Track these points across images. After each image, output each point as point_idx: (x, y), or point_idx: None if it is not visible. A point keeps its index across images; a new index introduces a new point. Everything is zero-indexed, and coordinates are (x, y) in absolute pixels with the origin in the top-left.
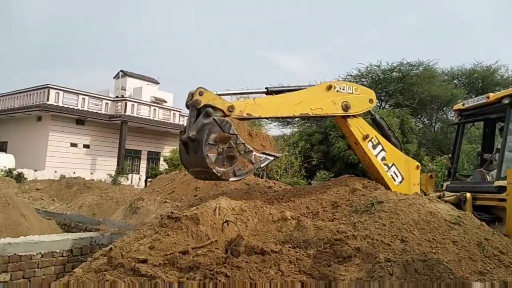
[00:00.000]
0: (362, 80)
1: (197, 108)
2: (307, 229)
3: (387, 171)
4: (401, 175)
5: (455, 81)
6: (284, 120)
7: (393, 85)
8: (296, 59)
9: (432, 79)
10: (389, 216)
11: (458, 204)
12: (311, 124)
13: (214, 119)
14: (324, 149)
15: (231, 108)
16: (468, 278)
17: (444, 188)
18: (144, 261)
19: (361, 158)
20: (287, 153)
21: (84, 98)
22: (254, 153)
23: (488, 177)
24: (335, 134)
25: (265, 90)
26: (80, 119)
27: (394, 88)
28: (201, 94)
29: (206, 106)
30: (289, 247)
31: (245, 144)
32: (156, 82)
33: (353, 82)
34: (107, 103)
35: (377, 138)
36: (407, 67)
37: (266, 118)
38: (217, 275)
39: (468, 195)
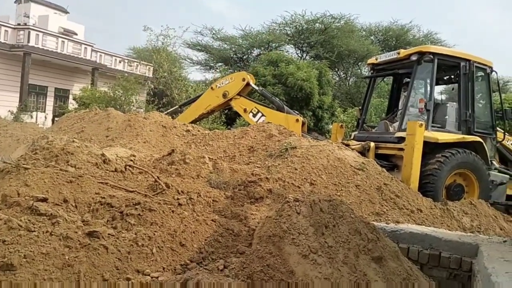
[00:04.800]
0: (286, 28)
1: None
2: (223, 172)
3: None
4: None
5: (372, 38)
6: (206, 64)
7: (315, 37)
8: (223, 1)
9: (352, 33)
10: (300, 161)
11: (363, 152)
12: (234, 70)
13: None
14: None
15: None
16: (366, 218)
17: (352, 138)
18: (44, 200)
19: None
20: None
21: None
22: None
23: (391, 128)
24: (257, 82)
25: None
26: None
27: (316, 40)
28: None
29: None
30: (209, 188)
31: None
32: (66, 11)
33: (277, 30)
34: (6, 31)
35: (256, 108)
36: (330, 19)
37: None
38: (127, 217)
39: (372, 144)
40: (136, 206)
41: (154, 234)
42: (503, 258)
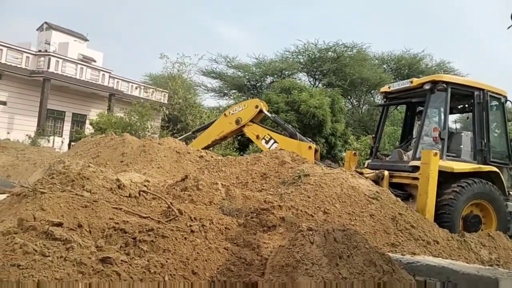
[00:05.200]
0: (299, 57)
1: None
2: (236, 198)
3: None
4: None
5: (384, 66)
6: (220, 91)
7: (328, 65)
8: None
9: (364, 62)
10: (314, 189)
11: (377, 181)
12: (247, 97)
13: None
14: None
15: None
16: (381, 248)
17: (365, 166)
18: (59, 224)
19: None
20: None
21: (1, 50)
22: None
23: (405, 157)
24: (270, 109)
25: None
26: None
27: (329, 68)
28: None
29: None
30: (221, 215)
31: None
32: (85, 39)
33: (290, 58)
34: (28, 57)
35: (269, 135)
36: (342, 48)
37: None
38: (140, 243)
39: (386, 172)
40: (149, 233)
41: (167, 262)
42: None
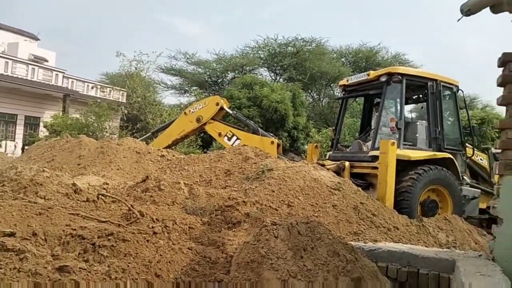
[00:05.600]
0: (259, 52)
1: None
2: (199, 197)
3: None
4: None
5: (343, 59)
6: (180, 88)
7: (288, 60)
8: (196, 25)
9: (323, 56)
10: (277, 183)
11: (338, 172)
12: (208, 94)
13: None
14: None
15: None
16: (344, 238)
17: (327, 158)
18: (12, 234)
19: None
20: None
21: None
22: None
23: (364, 147)
24: (232, 105)
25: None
26: None
27: (289, 63)
28: None
29: None
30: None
31: None
32: (36, 38)
33: (250, 54)
34: None
35: (231, 131)
36: (301, 42)
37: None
38: (99, 249)
39: (347, 163)
40: (109, 237)
41: (128, 266)
42: (479, 273)
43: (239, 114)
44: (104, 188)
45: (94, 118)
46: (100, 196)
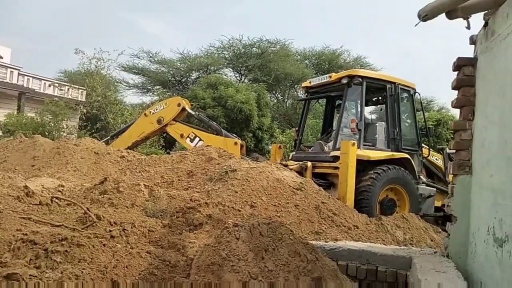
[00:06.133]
0: (224, 52)
1: None
2: (160, 199)
3: None
4: None
5: (306, 61)
6: (143, 88)
7: (253, 60)
8: (159, 24)
9: (287, 57)
10: (241, 184)
11: (301, 172)
12: (172, 93)
13: None
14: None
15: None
16: (306, 237)
17: (290, 158)
18: None
19: None
20: None
21: None
22: None
23: (326, 148)
24: (196, 105)
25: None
26: None
27: (254, 63)
28: None
29: None
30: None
31: None
32: None
33: (215, 53)
34: None
35: (193, 133)
36: (266, 44)
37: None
38: (52, 255)
39: (309, 163)
40: (63, 242)
41: (83, 272)
42: (434, 269)
43: (201, 115)
44: (59, 191)
45: (50, 117)
46: (54, 199)
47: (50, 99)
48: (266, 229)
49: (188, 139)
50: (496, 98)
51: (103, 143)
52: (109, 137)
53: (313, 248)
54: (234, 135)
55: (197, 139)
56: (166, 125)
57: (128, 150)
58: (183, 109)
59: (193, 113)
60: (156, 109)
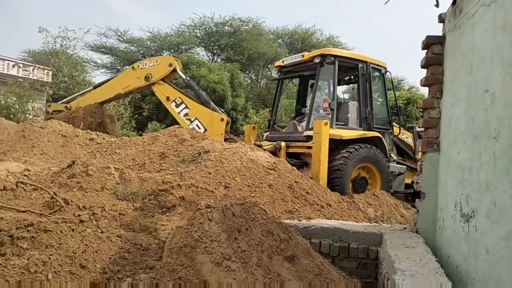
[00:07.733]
0: (196, 31)
1: None
2: (131, 182)
3: (189, 124)
4: (203, 127)
5: (279, 41)
6: (112, 67)
7: (225, 39)
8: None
9: (260, 36)
10: (214, 165)
11: (275, 152)
12: None
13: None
14: (156, 100)
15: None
16: (280, 216)
17: (264, 138)
18: None
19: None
20: (115, 103)
21: None
22: None
23: (299, 127)
24: None
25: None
26: None
27: (226, 42)
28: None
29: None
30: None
31: None
32: None
33: (186, 32)
34: None
35: (180, 98)
36: (238, 22)
37: (100, 103)
38: (18, 241)
39: (283, 143)
40: (29, 228)
41: (50, 258)
42: (404, 245)
43: (192, 82)
44: (25, 175)
45: (15, 99)
46: (19, 183)
47: (14, 80)
48: (239, 210)
49: (173, 103)
50: (463, 75)
51: (70, 101)
52: (78, 93)
53: (286, 227)
54: (222, 109)
55: (183, 105)
56: (153, 83)
57: (97, 133)
58: (174, 70)
59: (184, 76)
60: (146, 64)
